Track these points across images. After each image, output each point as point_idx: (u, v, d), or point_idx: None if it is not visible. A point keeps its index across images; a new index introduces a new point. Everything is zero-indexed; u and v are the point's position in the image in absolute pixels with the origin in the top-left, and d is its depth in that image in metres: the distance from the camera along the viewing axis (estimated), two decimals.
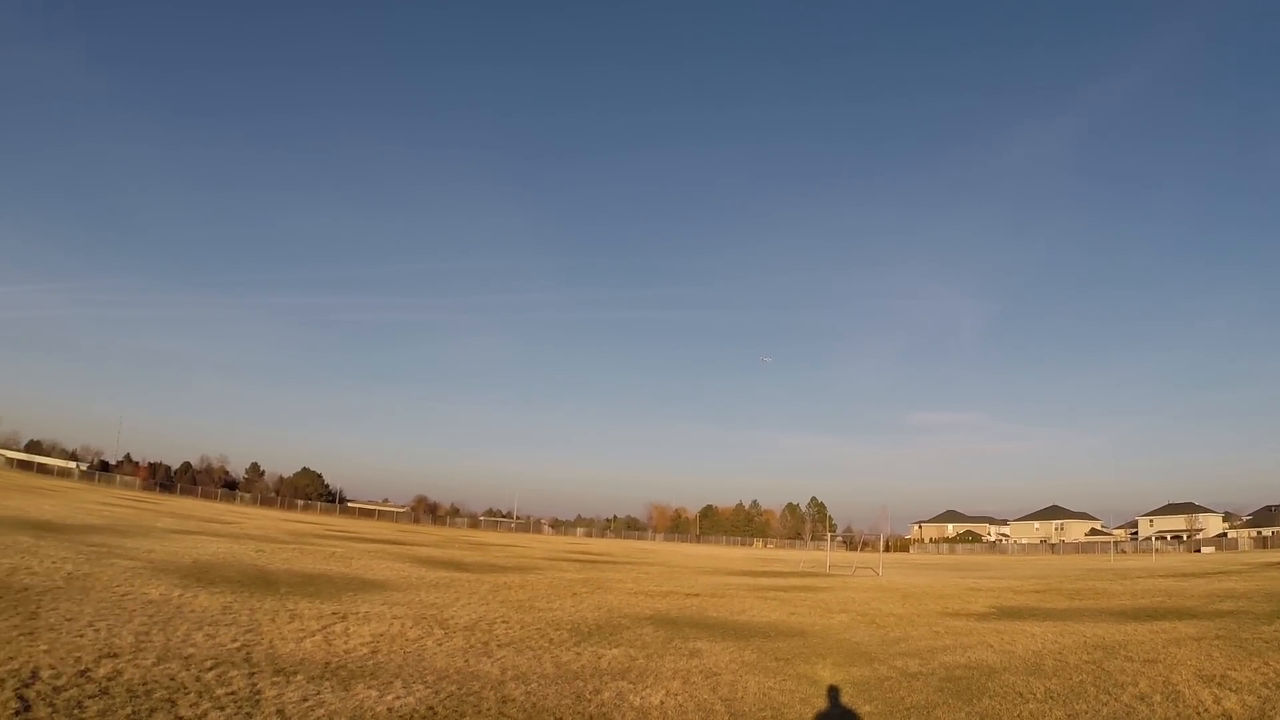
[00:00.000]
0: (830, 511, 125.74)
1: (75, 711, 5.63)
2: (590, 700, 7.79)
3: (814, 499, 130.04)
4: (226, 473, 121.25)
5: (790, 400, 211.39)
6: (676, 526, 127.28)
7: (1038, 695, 8.71)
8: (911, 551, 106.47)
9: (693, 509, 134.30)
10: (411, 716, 6.61)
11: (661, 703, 7.90)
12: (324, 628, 10.48)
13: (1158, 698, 8.52)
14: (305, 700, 6.73)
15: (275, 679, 7.35)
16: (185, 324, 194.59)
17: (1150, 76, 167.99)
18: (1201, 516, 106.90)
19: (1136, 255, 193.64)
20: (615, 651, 10.74)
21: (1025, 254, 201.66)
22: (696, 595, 20.80)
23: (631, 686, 8.55)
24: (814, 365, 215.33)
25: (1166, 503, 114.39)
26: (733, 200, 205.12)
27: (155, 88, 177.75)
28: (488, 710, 7.08)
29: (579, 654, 10.39)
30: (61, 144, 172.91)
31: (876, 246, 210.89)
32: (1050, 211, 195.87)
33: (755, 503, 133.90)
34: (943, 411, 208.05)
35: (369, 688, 7.46)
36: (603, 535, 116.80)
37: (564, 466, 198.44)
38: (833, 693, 8.75)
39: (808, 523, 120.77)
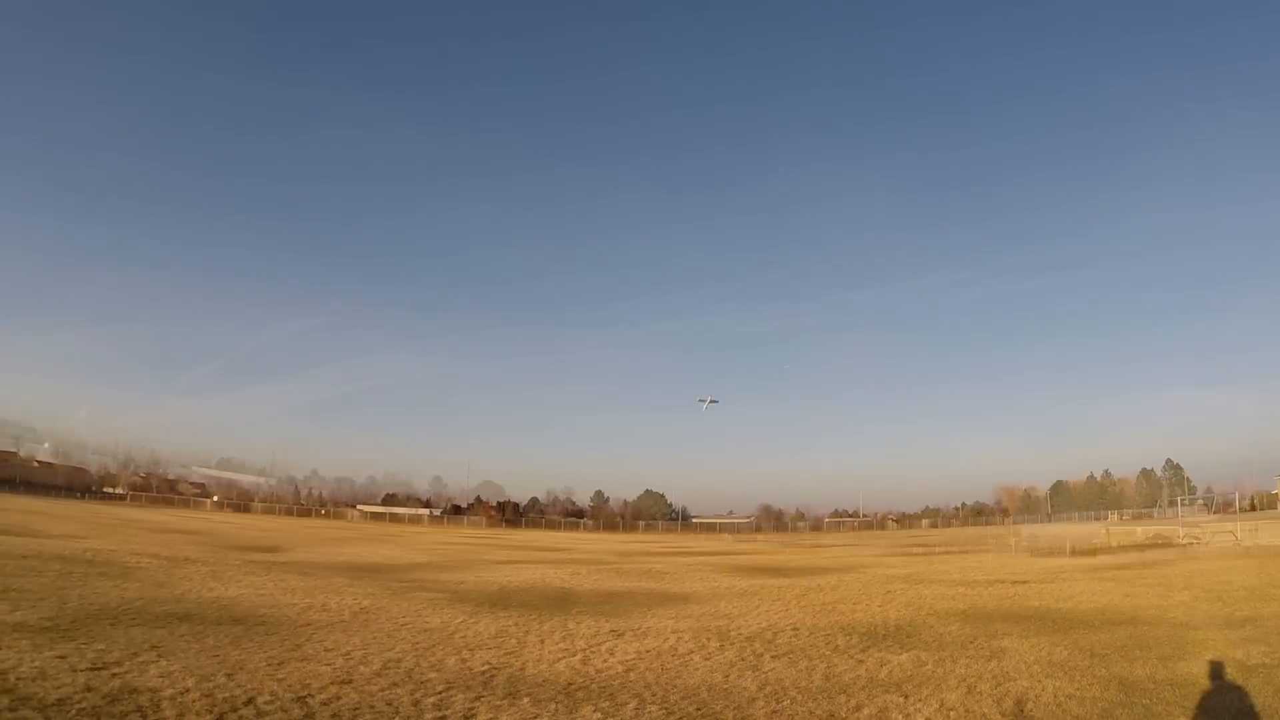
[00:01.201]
0: (1189, 474, 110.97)
1: None
2: None
3: (1169, 461, 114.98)
4: (572, 503, 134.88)
5: (1146, 354, 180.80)
6: (1026, 506, 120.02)
7: None
8: None
9: (1042, 486, 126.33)
10: None
11: None
12: (589, 647, 10.63)
13: None
14: None
15: (500, 701, 7.39)
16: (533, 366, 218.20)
17: None
18: None
19: None
20: (903, 657, 10.15)
21: None
22: (1024, 582, 20.47)
23: (901, 700, 7.84)
24: (1175, 315, 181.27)
25: None
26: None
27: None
28: None
29: (860, 661, 9.87)
30: (423, 214, 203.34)
31: None
32: None
33: (1107, 472, 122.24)
34: None
35: (595, 710, 7.28)
36: (948, 524, 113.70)
37: (909, 457, 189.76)
38: (1139, 700, 7.77)
39: (1164, 488, 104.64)
